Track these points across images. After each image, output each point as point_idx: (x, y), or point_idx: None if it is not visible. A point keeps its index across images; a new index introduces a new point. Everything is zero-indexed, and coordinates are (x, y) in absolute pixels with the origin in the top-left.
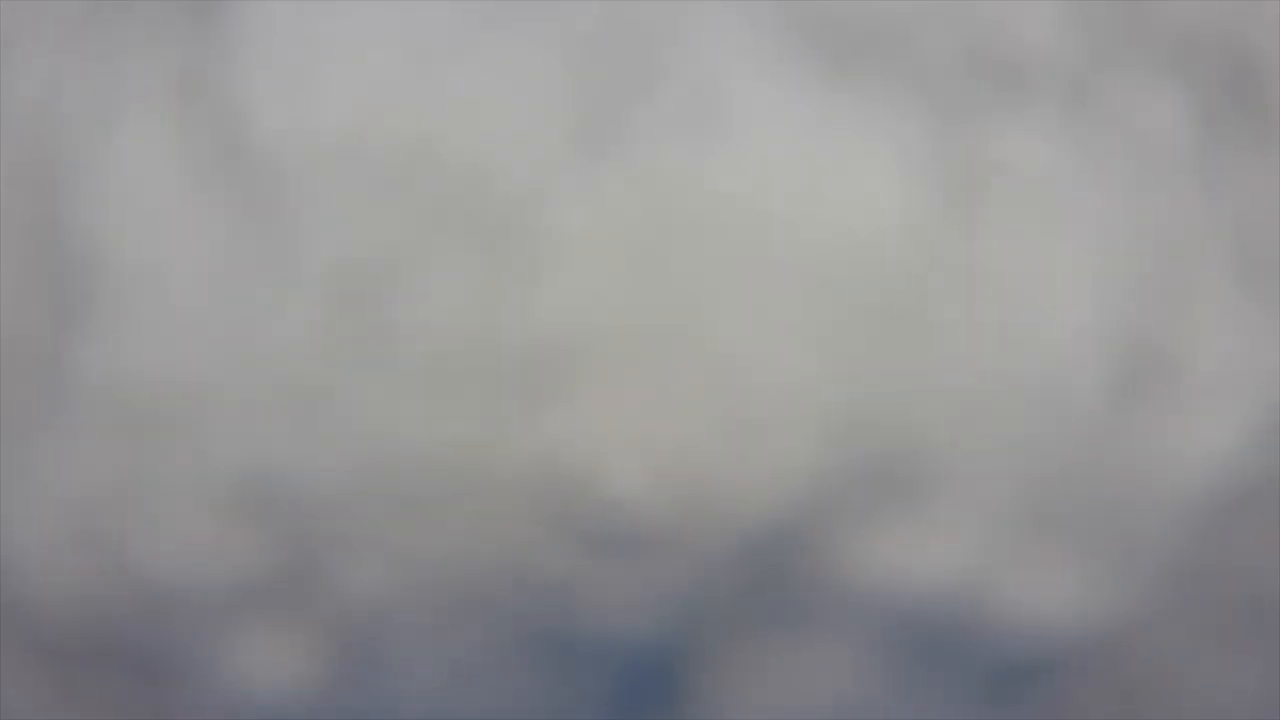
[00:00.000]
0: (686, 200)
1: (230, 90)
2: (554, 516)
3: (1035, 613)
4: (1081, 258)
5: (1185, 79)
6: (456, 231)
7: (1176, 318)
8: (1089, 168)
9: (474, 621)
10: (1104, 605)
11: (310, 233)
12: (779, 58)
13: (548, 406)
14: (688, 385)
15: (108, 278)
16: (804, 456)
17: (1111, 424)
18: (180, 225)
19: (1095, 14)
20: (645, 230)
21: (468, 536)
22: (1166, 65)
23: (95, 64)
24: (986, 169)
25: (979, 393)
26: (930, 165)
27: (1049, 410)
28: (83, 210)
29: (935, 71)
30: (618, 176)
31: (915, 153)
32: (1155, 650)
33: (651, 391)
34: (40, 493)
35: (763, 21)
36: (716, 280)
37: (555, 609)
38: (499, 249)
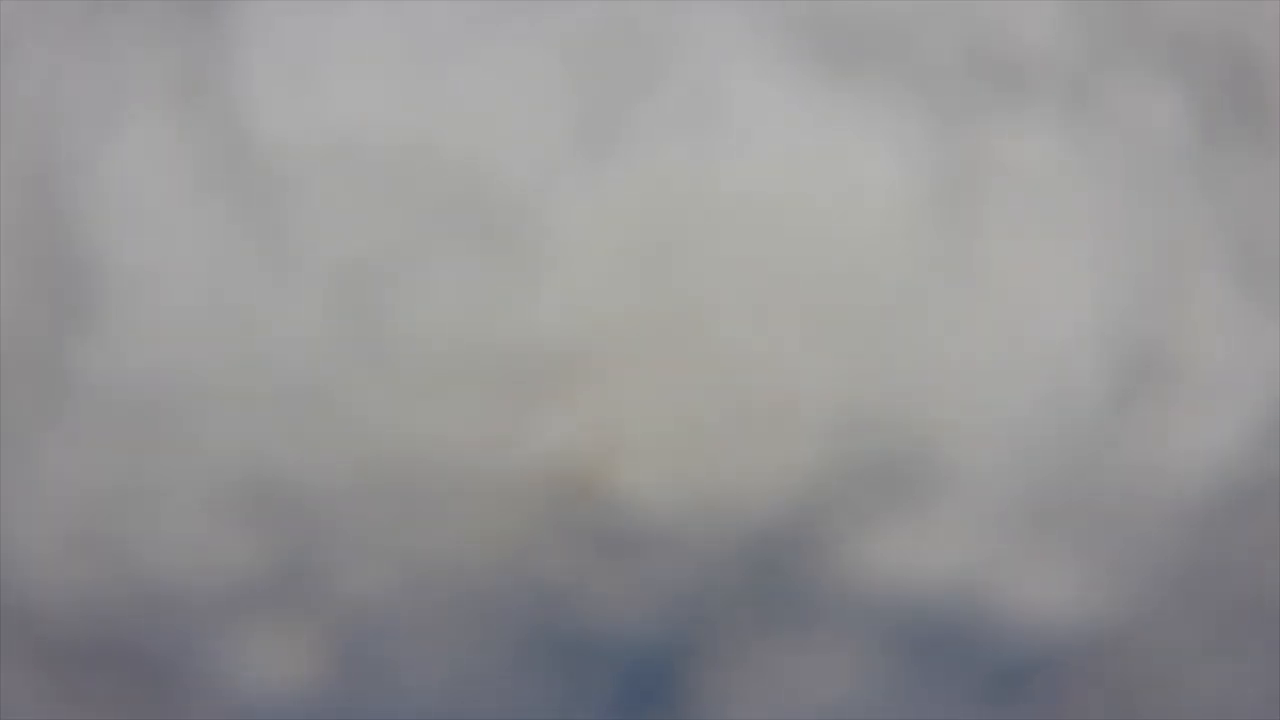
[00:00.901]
0: (687, 200)
1: (230, 90)
2: (554, 516)
3: (1035, 613)
4: (1081, 258)
5: (1185, 79)
6: (456, 232)
7: (1176, 318)
8: (1089, 168)
9: (474, 621)
10: (1104, 605)
11: (310, 233)
12: (779, 58)
13: (548, 406)
14: (689, 385)
15: (108, 278)
16: (804, 456)
17: (1111, 424)
18: (180, 225)
19: (1095, 14)
20: (646, 230)
21: (468, 536)
22: (1166, 65)
23: (95, 64)
24: (986, 169)
25: (980, 392)
26: (930, 165)
27: (1049, 410)
28: (83, 210)
29: (935, 71)
30: (618, 176)
31: (915, 153)
32: (1155, 650)
33: (652, 391)
34: (40, 493)
35: (763, 21)
36: (717, 280)
37: (556, 609)
38: (499, 249)
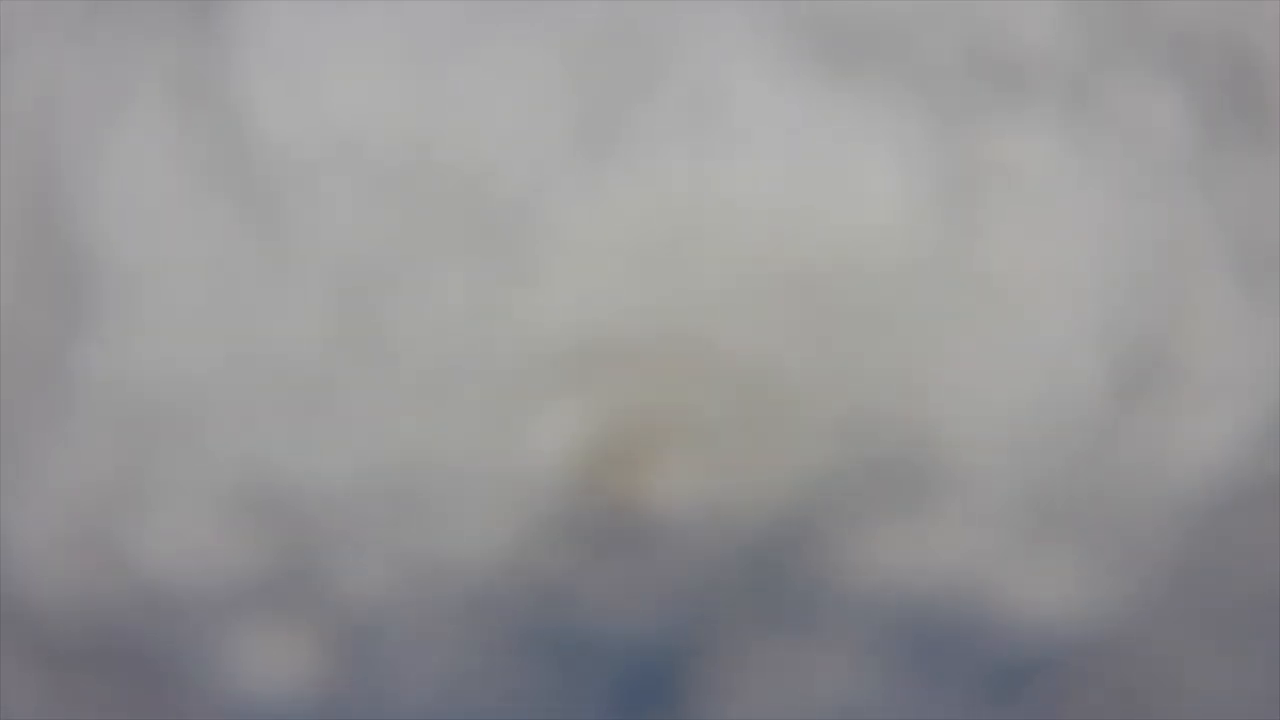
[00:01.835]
0: (687, 200)
1: (230, 90)
2: (554, 517)
3: (1036, 613)
4: (1082, 258)
5: (1185, 79)
6: (457, 232)
7: (1176, 317)
8: (1089, 168)
9: (474, 621)
10: (1104, 605)
11: (310, 233)
12: (779, 58)
13: (548, 407)
14: (689, 385)
15: (108, 278)
16: (804, 456)
17: (1111, 424)
18: (180, 225)
19: (1095, 14)
20: (646, 230)
21: (468, 536)
22: (1166, 65)
23: (95, 64)
24: (986, 169)
25: (980, 393)
26: (930, 165)
27: (1049, 410)
28: (83, 210)
29: (935, 71)
30: (618, 177)
31: (915, 153)
32: (1155, 650)
33: (652, 391)
34: (40, 493)
35: (763, 22)
36: (716, 280)
37: (555, 609)
38: (499, 250)
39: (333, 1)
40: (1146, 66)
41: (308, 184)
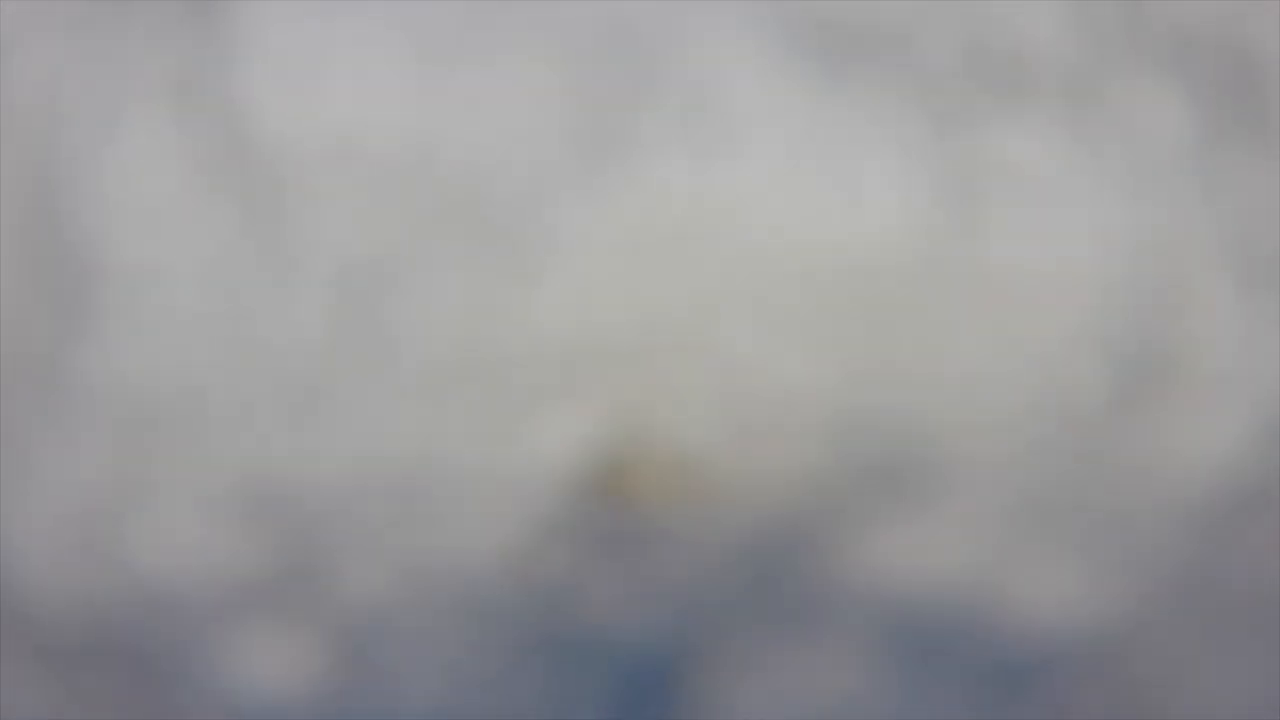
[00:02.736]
0: (687, 201)
1: (230, 90)
2: (554, 516)
3: (1036, 613)
4: (1082, 258)
5: (1185, 79)
6: (456, 233)
7: (1176, 317)
8: (1089, 168)
9: (474, 622)
10: (1105, 605)
11: (310, 233)
12: (779, 60)
13: (548, 407)
14: (689, 385)
15: (108, 278)
16: (805, 457)
17: (1112, 424)
18: (180, 225)
19: (1095, 14)
20: (645, 231)
21: (468, 536)
22: (1166, 65)
23: (95, 64)
24: (986, 169)
25: (981, 393)
26: (930, 166)
27: (1050, 411)
28: (83, 210)
29: (935, 72)
30: (618, 178)
31: (915, 153)
32: (1156, 650)
33: (652, 392)
34: (40, 493)
35: (763, 24)
36: (717, 281)
37: (555, 609)
38: (499, 250)
39: (333, 2)
40: (1146, 66)
41: (308, 184)
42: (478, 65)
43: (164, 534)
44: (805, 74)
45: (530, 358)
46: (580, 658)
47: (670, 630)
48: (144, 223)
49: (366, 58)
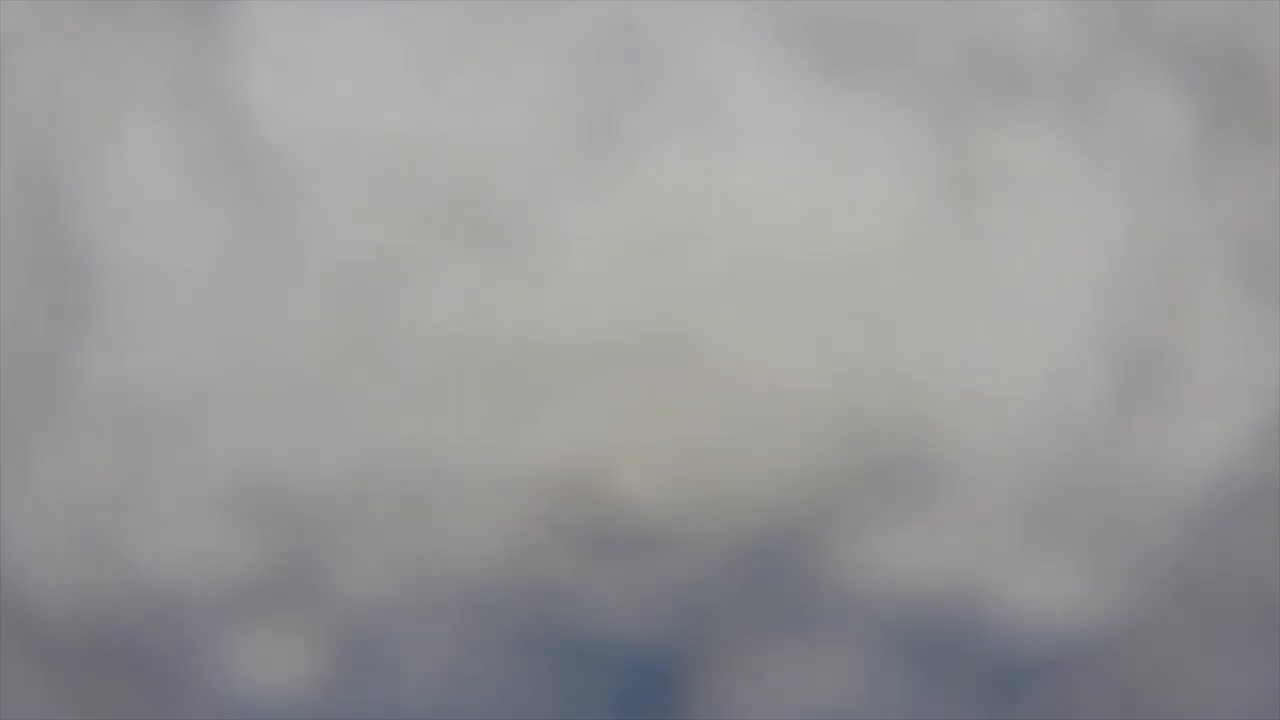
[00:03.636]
0: (686, 200)
1: (230, 90)
2: (554, 516)
3: (1035, 613)
4: (1082, 258)
5: (1185, 79)
6: (456, 232)
7: (1177, 318)
8: (1089, 168)
9: (474, 621)
10: (1104, 606)
11: (310, 233)
12: (779, 59)
13: (548, 407)
14: (688, 385)
15: (108, 278)
16: (804, 457)
17: (1112, 425)
18: (180, 225)
19: (1095, 14)
20: (645, 230)
21: (468, 536)
22: (1166, 65)
23: (95, 64)
24: (987, 169)
25: (980, 394)
26: (931, 166)
27: (1050, 411)
28: (83, 210)
29: (935, 71)
30: (618, 177)
31: (916, 153)
32: (1155, 650)
33: (652, 392)
34: (40, 493)
35: (762, 23)
36: (717, 281)
37: (556, 609)
38: (499, 249)
39: (333, 2)
40: (1146, 66)
41: (308, 184)
42: (477, 65)
43: (164, 534)
44: (805, 74)
45: (529, 358)
46: (580, 658)
47: (669, 631)
48: (144, 223)
49: (366, 58)
